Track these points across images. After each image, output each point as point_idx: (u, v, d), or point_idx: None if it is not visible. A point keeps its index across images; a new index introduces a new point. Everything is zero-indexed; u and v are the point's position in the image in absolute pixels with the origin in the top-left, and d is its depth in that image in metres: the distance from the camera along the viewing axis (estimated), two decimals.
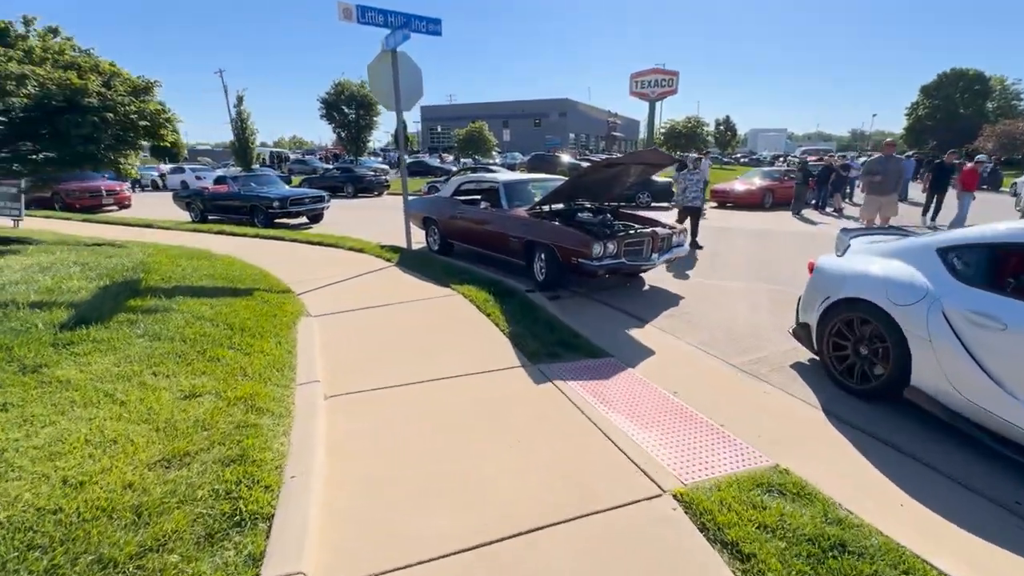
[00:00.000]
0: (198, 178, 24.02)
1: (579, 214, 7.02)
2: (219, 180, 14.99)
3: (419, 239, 8.94)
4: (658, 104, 32.01)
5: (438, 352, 4.26)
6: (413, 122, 73.41)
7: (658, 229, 6.50)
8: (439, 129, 72.28)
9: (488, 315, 5.10)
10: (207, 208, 13.57)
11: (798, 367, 4.18)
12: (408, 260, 7.59)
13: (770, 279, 7.07)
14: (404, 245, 8.11)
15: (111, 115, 6.14)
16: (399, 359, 4.11)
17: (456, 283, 6.13)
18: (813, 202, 15.92)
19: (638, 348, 4.58)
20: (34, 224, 12.22)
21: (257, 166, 29.36)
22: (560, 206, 7.37)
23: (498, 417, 3.20)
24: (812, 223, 12.67)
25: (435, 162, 35.41)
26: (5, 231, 9.01)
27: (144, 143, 8.03)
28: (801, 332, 4.18)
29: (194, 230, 11.28)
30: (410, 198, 9.20)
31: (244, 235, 10.49)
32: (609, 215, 7.15)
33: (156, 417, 2.64)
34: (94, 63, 6.67)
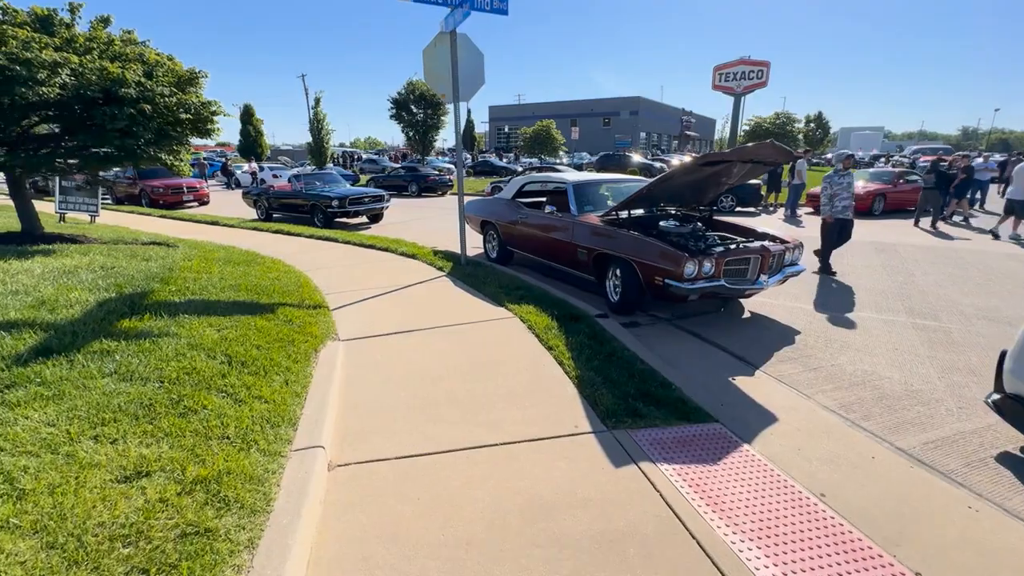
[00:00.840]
0: (275, 176, 24.80)
1: (662, 223, 5.81)
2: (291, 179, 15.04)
3: (476, 243, 8.08)
4: (741, 100, 29.47)
5: (483, 402, 3.29)
6: (481, 122, 73.49)
7: (768, 243, 5.17)
8: (506, 129, 71.88)
9: (550, 348, 4.08)
10: (271, 206, 13.55)
11: (1010, 461, 2.82)
12: (462, 270, 6.72)
13: (915, 310, 5.52)
14: (459, 251, 7.25)
15: (148, 107, 5.68)
16: (434, 410, 3.18)
17: (513, 302, 5.15)
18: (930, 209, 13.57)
19: (751, 409, 3.38)
20: (112, 218, 12.60)
21: (330, 165, 30.08)
22: (639, 212, 6.20)
23: (559, 532, 2.17)
24: (944, 236, 10.55)
25: (501, 162, 34.78)
26: (67, 227, 9.06)
27: (198, 139, 7.70)
28: (1014, 409, 2.82)
29: (254, 228, 11.07)
30: (470, 199, 8.38)
31: (299, 235, 10.11)
32: (700, 223, 5.89)
33: (60, 523, 1.80)
34: (139, 52, 6.28)
